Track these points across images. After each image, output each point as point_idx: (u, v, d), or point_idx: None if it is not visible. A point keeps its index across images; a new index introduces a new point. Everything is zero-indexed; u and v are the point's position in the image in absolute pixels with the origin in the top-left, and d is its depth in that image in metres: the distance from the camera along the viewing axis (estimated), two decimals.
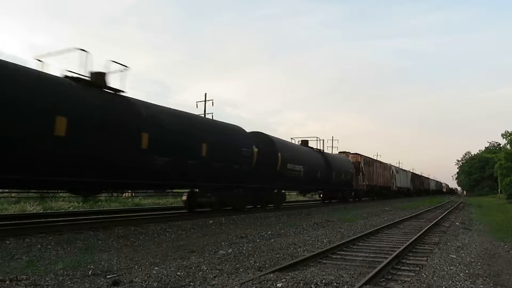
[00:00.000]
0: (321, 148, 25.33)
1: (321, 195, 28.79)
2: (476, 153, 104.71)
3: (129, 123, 10.53)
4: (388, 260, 6.60)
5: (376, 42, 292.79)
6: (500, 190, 53.50)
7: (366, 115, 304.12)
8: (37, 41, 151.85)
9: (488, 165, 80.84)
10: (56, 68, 10.10)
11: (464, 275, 6.06)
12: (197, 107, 37.60)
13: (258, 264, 6.42)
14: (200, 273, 5.65)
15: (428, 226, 12.25)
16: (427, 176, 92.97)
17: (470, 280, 5.80)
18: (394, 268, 6.50)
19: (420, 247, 8.74)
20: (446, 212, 20.37)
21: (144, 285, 4.98)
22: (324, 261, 6.89)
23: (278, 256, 7.18)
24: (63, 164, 8.96)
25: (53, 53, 10.17)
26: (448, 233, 11.59)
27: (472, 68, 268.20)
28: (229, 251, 7.45)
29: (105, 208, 16.78)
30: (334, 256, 7.39)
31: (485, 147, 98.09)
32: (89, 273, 5.52)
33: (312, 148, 24.27)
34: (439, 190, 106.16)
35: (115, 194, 19.37)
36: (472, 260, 7.35)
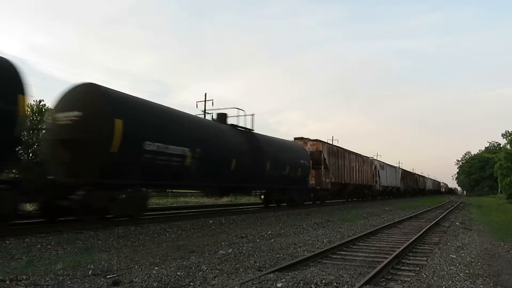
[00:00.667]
0: (251, 128, 17.82)
1: (262, 197, 20.95)
2: (476, 153, 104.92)
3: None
4: (388, 260, 6.60)
5: (376, 42, 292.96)
6: (500, 190, 53.55)
7: (366, 115, 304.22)
8: (38, 41, 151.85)
9: (488, 165, 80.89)
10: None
11: (464, 275, 6.06)
12: (197, 107, 37.66)
13: (258, 264, 6.42)
14: (200, 273, 5.65)
15: (428, 226, 12.25)
16: (422, 174, 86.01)
17: (470, 280, 5.80)
18: (394, 268, 6.50)
19: (420, 247, 8.74)
20: (446, 212, 20.37)
21: (144, 285, 4.98)
22: (324, 261, 6.89)
23: (278, 256, 7.18)
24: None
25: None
26: (448, 233, 11.59)
27: (472, 68, 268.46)
28: (229, 251, 7.45)
29: None
30: (334, 256, 7.39)
31: (485, 147, 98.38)
32: (89, 273, 5.52)
33: (234, 126, 16.92)
34: (437, 190, 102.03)
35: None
36: (472, 260, 7.35)
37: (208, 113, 36.11)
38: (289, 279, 5.15)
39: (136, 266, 6.02)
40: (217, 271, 5.79)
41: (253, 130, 17.82)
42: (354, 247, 8.54)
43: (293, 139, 24.76)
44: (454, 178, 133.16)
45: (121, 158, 10.37)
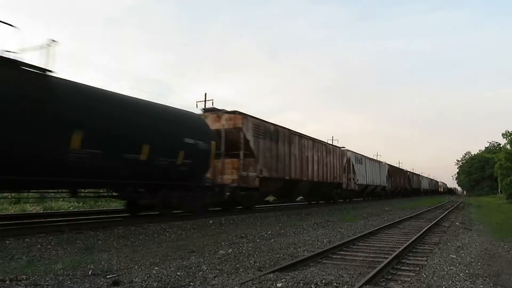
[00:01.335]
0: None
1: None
2: (476, 153, 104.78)
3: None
4: (388, 260, 6.60)
5: (376, 42, 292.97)
6: (500, 190, 53.49)
7: (366, 115, 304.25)
8: (38, 42, 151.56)
9: (488, 165, 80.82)
10: None
11: (464, 275, 6.06)
12: (197, 106, 37.44)
13: (258, 264, 6.42)
14: (200, 273, 5.65)
15: (428, 226, 12.25)
16: (415, 172, 74.61)
17: (470, 280, 5.79)
18: (394, 268, 6.50)
19: (420, 247, 8.75)
20: (446, 212, 20.36)
21: (144, 285, 4.98)
22: (324, 261, 6.90)
23: (278, 256, 7.18)
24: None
25: None
26: (448, 233, 11.59)
27: (472, 68, 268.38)
28: (229, 251, 7.45)
29: (105, 208, 16.77)
30: (334, 256, 7.39)
31: (485, 147, 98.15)
32: (89, 273, 5.52)
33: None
34: (435, 190, 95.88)
35: None
36: (472, 260, 7.35)
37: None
38: (289, 279, 5.15)
39: (136, 266, 6.02)
40: (217, 271, 5.79)
41: (48, 70, 8.94)
42: (354, 247, 8.54)
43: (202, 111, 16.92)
44: (454, 178, 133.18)
45: None
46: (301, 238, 9.67)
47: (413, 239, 9.22)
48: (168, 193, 12.26)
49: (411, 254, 7.85)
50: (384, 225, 12.69)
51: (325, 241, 9.27)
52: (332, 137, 78.90)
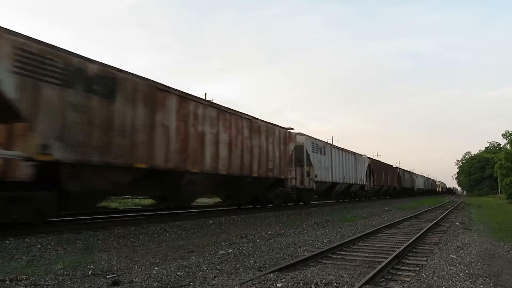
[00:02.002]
0: None
1: None
2: (476, 153, 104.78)
3: None
4: (388, 260, 6.60)
5: (377, 42, 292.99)
6: (500, 190, 53.51)
7: (366, 115, 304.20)
8: None
9: (488, 165, 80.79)
10: None
11: (464, 275, 6.06)
12: None
13: (258, 264, 6.42)
14: (200, 273, 5.65)
15: (428, 226, 12.25)
16: (405, 169, 62.11)
17: (470, 280, 5.79)
18: (394, 268, 6.50)
19: (420, 247, 8.75)
20: (446, 212, 20.37)
21: (144, 285, 4.98)
22: (324, 261, 6.89)
23: (278, 256, 7.18)
24: None
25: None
26: (448, 233, 11.59)
27: (472, 68, 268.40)
28: (229, 251, 7.45)
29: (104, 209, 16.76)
30: (334, 256, 7.39)
31: (485, 147, 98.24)
32: (89, 273, 5.52)
33: None
34: (431, 190, 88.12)
35: None
36: (472, 260, 7.35)
37: None
38: (289, 279, 5.15)
39: (136, 266, 6.02)
40: (217, 271, 5.79)
41: None
42: (354, 247, 8.54)
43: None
44: (454, 178, 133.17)
45: None
46: (301, 238, 9.67)
47: (413, 239, 9.22)
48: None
49: (411, 254, 7.84)
50: (384, 225, 12.69)
51: (325, 241, 9.27)
52: (332, 137, 78.21)
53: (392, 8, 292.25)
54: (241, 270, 5.94)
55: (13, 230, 8.86)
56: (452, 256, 7.63)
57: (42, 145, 8.56)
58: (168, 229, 10.32)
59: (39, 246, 7.35)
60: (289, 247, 8.17)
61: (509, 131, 44.02)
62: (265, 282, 5.03)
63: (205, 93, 41.92)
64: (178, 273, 5.57)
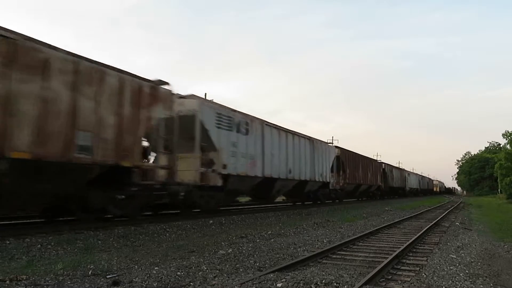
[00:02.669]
0: None
1: None
2: (476, 153, 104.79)
3: None
4: (388, 260, 6.60)
5: (377, 42, 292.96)
6: (500, 190, 53.49)
7: (366, 115, 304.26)
8: None
9: (488, 165, 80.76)
10: None
11: (464, 275, 6.06)
12: None
13: (258, 264, 6.42)
14: (200, 273, 5.65)
15: (428, 226, 12.25)
16: (393, 165, 52.45)
17: (470, 280, 5.79)
18: (394, 268, 6.50)
19: (420, 247, 8.75)
20: (446, 212, 20.37)
21: (144, 285, 4.98)
22: (324, 261, 6.89)
23: (278, 256, 7.18)
24: None
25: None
26: (448, 233, 11.59)
27: (472, 68, 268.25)
28: (229, 251, 7.45)
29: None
30: (334, 256, 7.39)
31: (485, 147, 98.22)
32: (89, 273, 5.52)
33: None
34: (428, 189, 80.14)
35: None
36: (472, 260, 7.35)
37: None
38: (289, 279, 5.15)
39: (136, 266, 6.02)
40: (217, 271, 5.79)
41: None
42: (354, 247, 8.54)
43: None
44: (454, 178, 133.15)
45: None
46: (301, 238, 9.67)
47: (413, 239, 9.22)
48: None
49: (411, 254, 7.84)
50: (384, 225, 12.69)
51: (325, 241, 9.27)
52: (332, 137, 76.89)
53: (392, 8, 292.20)
54: (241, 270, 5.94)
55: (14, 230, 8.87)
56: (452, 256, 7.63)
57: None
58: (168, 229, 10.32)
59: (39, 246, 7.35)
60: (289, 247, 8.17)
61: (509, 131, 43.99)
62: (265, 282, 5.03)
63: (205, 93, 41.92)
64: (178, 273, 5.57)
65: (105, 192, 10.31)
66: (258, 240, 9.08)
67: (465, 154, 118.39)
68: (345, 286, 4.99)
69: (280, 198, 24.26)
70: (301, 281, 5.05)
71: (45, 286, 4.88)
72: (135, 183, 10.89)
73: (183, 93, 13.91)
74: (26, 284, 4.89)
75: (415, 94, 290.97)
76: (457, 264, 6.84)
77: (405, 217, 16.09)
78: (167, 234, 9.70)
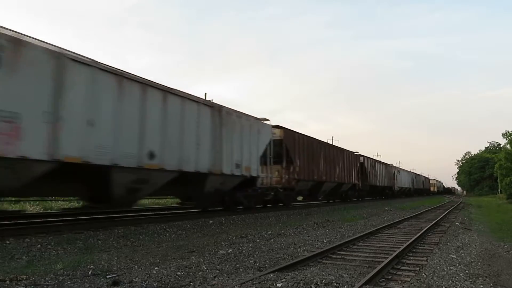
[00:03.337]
0: None
1: None
2: (476, 153, 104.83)
3: None
4: (388, 260, 6.60)
5: (377, 42, 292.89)
6: (500, 190, 53.49)
7: (366, 115, 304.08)
8: None
9: (488, 165, 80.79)
10: None
11: (464, 275, 6.06)
12: None
13: (258, 264, 6.42)
14: (200, 273, 5.65)
15: (428, 226, 12.25)
16: (377, 159, 43.09)
17: (470, 280, 5.80)
18: (394, 268, 6.50)
19: (420, 247, 8.75)
20: (446, 212, 20.37)
21: (144, 285, 4.98)
22: (324, 261, 6.90)
23: (278, 256, 7.18)
24: None
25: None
26: (448, 233, 11.59)
27: (472, 68, 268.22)
28: (229, 251, 7.45)
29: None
30: (334, 256, 7.39)
31: (485, 147, 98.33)
32: (89, 273, 5.52)
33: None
34: (423, 189, 73.58)
35: None
36: (472, 260, 7.35)
37: None
38: (289, 279, 5.15)
39: (136, 266, 6.02)
40: (217, 271, 5.79)
41: None
42: (354, 247, 8.54)
43: None
44: (454, 178, 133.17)
45: None
46: (301, 238, 9.67)
47: (413, 239, 9.22)
48: None
49: (411, 254, 7.85)
50: (384, 225, 12.69)
51: (325, 241, 9.27)
52: (332, 137, 76.60)
53: (392, 8, 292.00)
54: (241, 270, 5.94)
55: (14, 230, 8.87)
56: (452, 256, 7.63)
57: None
58: (168, 229, 10.32)
59: (39, 246, 7.35)
60: (289, 247, 8.16)
61: (509, 131, 43.97)
62: (265, 282, 5.03)
63: (205, 93, 41.84)
64: (178, 273, 5.57)
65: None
66: (258, 240, 9.08)
67: (465, 154, 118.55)
68: (345, 286, 4.99)
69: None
70: (301, 281, 5.05)
71: (45, 286, 4.88)
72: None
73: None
74: (26, 284, 4.89)
75: (415, 94, 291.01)
76: (457, 264, 6.84)
77: (405, 217, 16.09)
78: (167, 234, 9.70)
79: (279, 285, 4.94)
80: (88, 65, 9.42)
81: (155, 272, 5.57)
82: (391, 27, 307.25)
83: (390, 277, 5.97)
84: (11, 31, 8.05)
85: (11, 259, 6.28)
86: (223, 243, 8.49)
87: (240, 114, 16.21)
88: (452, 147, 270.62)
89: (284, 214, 16.27)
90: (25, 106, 7.98)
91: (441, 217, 16.57)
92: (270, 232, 10.51)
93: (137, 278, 5.22)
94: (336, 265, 6.52)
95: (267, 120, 18.35)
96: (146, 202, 21.52)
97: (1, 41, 7.62)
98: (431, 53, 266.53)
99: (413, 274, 6.15)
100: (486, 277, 6.09)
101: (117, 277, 5.27)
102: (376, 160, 41.02)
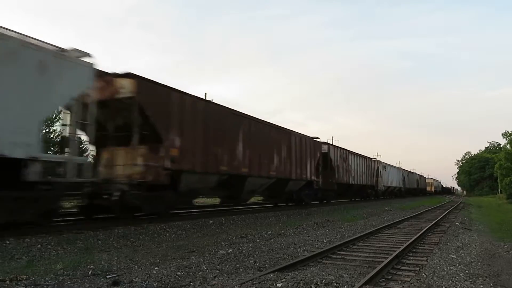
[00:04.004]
0: None
1: None
2: (476, 153, 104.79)
3: None
4: (388, 260, 6.60)
5: (377, 42, 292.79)
6: (500, 190, 53.48)
7: (366, 115, 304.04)
8: None
9: (488, 165, 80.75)
10: None
11: (464, 275, 6.06)
12: None
13: (258, 264, 6.42)
14: (200, 273, 5.65)
15: (428, 226, 12.25)
16: (349, 149, 31.13)
17: (470, 280, 5.80)
18: (394, 268, 6.50)
19: (420, 247, 8.75)
20: (446, 212, 20.37)
21: (144, 285, 4.98)
22: (324, 261, 6.89)
23: (278, 256, 7.18)
24: None
25: None
26: (448, 233, 11.59)
27: (472, 68, 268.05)
28: (229, 251, 7.45)
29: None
30: (334, 256, 7.39)
31: (485, 147, 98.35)
32: (89, 273, 5.52)
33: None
34: (417, 189, 65.23)
35: None
36: (472, 260, 7.35)
37: None
38: (289, 279, 5.15)
39: (136, 266, 6.02)
40: (217, 271, 5.79)
41: None
42: (354, 247, 8.54)
43: None
44: (454, 178, 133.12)
45: None
46: (301, 238, 9.67)
47: (413, 239, 9.22)
48: None
49: (411, 254, 7.84)
50: (384, 225, 12.70)
51: (325, 241, 9.27)
52: (332, 137, 75.49)
53: (392, 8, 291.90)
54: (241, 270, 5.94)
55: (14, 230, 8.85)
56: (452, 256, 7.63)
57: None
58: (168, 229, 10.32)
59: (39, 246, 7.35)
60: (289, 247, 8.17)
61: (509, 131, 43.92)
62: (265, 282, 5.03)
63: (205, 93, 41.85)
64: (178, 273, 5.57)
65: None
66: (258, 240, 9.08)
67: (465, 154, 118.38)
68: (345, 286, 4.99)
69: None
70: (301, 281, 5.05)
71: (45, 286, 4.88)
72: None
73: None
74: (26, 284, 4.89)
75: (415, 94, 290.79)
76: (457, 264, 6.84)
77: (405, 217, 16.09)
78: (167, 234, 9.70)
79: (279, 285, 4.94)
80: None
81: (155, 272, 5.57)
82: (391, 27, 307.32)
83: (390, 277, 5.97)
84: None
85: (11, 259, 6.28)
86: (223, 243, 8.50)
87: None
88: (452, 147, 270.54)
89: (284, 214, 16.27)
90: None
91: (441, 217, 16.57)
92: (270, 232, 10.51)
93: (137, 278, 5.23)
94: (336, 265, 6.52)
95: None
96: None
97: None
98: (431, 53, 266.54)
99: (413, 274, 6.15)
100: (486, 277, 6.09)
101: (117, 277, 5.27)
102: (350, 151, 30.48)
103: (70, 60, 9.07)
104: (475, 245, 9.31)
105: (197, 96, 14.13)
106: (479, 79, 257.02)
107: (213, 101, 15.71)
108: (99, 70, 10.18)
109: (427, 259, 7.29)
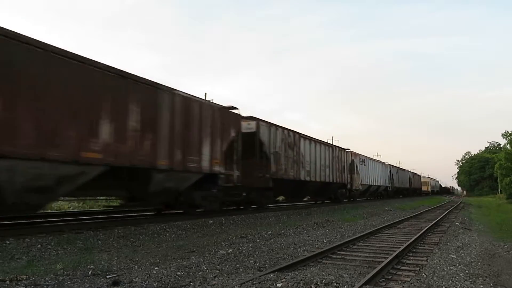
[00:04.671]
0: None
1: None
2: (476, 153, 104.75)
3: None
4: (388, 260, 6.60)
5: (377, 42, 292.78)
6: (500, 190, 53.50)
7: (366, 115, 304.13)
8: None
9: (488, 165, 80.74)
10: None
11: (464, 275, 6.06)
12: None
13: (258, 264, 6.42)
14: (200, 273, 5.65)
15: (428, 226, 12.25)
16: (309, 136, 21.85)
17: (470, 280, 5.80)
18: (394, 268, 6.50)
19: (420, 247, 8.75)
20: (446, 212, 20.38)
21: (144, 285, 4.98)
22: (324, 261, 6.90)
23: (278, 256, 7.18)
24: None
25: None
26: (448, 233, 11.59)
27: (472, 68, 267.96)
28: (229, 251, 7.45)
29: (105, 208, 16.75)
30: (334, 256, 7.39)
31: (485, 147, 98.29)
32: (89, 273, 5.52)
33: None
34: (412, 188, 57.21)
35: None
36: (472, 260, 7.35)
37: None
38: (289, 279, 5.15)
39: (136, 266, 6.02)
40: (217, 271, 5.79)
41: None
42: (354, 247, 8.54)
43: None
44: (454, 178, 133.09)
45: None
46: (301, 238, 9.67)
47: (413, 239, 9.22)
48: None
49: (411, 254, 7.85)
50: (384, 225, 12.70)
51: (325, 241, 9.27)
52: (332, 137, 75.23)
53: (392, 8, 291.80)
54: (241, 270, 5.94)
55: (14, 230, 8.86)
56: (452, 256, 7.63)
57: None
58: (168, 229, 10.32)
59: (39, 246, 7.34)
60: (289, 247, 8.17)
61: (509, 131, 44.02)
62: (265, 282, 5.03)
63: (205, 93, 41.84)
64: (178, 273, 5.57)
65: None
66: (258, 240, 9.08)
67: (465, 154, 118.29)
68: (345, 286, 4.99)
69: None
70: (301, 281, 5.05)
71: (45, 286, 4.88)
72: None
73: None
74: (26, 284, 4.89)
75: (415, 94, 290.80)
76: (457, 264, 6.84)
77: (405, 217, 16.09)
78: (167, 234, 9.70)
79: (279, 285, 4.94)
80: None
81: (155, 272, 5.57)
82: (391, 27, 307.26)
83: (390, 277, 5.97)
84: None
85: (11, 259, 6.28)
86: (223, 243, 8.49)
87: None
88: (452, 147, 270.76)
89: (284, 214, 16.26)
90: None
91: (441, 217, 16.57)
92: (270, 232, 10.51)
93: (137, 278, 5.23)
94: (336, 265, 6.52)
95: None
96: None
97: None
98: (431, 53, 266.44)
99: (413, 274, 6.15)
100: (486, 277, 6.09)
101: (117, 277, 5.27)
102: (302, 134, 21.15)
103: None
104: (475, 245, 9.31)
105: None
106: (479, 79, 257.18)
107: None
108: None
109: (427, 259, 7.29)
